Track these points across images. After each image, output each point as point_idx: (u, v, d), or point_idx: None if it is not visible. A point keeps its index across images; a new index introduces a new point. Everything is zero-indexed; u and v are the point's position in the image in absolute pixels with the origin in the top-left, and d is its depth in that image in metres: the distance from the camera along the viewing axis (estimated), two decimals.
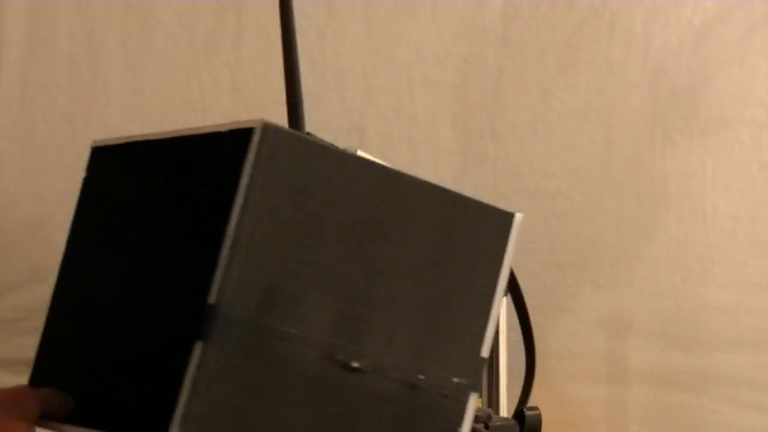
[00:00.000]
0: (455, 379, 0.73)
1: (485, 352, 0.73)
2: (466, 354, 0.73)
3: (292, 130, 0.71)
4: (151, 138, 0.78)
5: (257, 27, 1.49)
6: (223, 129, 0.72)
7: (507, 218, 0.74)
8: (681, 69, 1.44)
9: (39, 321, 1.56)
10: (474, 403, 0.74)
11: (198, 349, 0.67)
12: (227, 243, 0.68)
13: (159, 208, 0.80)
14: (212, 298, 0.67)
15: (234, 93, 1.49)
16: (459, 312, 0.74)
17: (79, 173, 1.57)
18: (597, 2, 1.45)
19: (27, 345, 1.59)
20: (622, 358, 1.44)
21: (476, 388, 0.73)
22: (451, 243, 0.74)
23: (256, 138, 0.69)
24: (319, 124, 1.50)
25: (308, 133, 0.84)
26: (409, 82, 1.47)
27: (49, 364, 0.83)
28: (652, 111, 1.44)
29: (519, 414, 0.92)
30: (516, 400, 1.41)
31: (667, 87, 1.44)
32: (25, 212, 1.51)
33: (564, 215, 1.45)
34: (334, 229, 0.71)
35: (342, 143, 1.48)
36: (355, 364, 0.71)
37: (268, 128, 0.69)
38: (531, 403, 1.37)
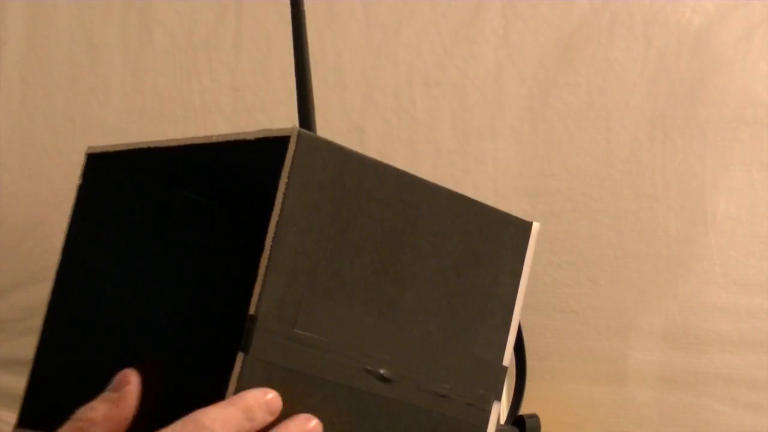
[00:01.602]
0: (479, 388, 0.73)
1: (506, 360, 0.72)
2: (488, 363, 0.73)
3: (325, 138, 0.70)
4: (152, 146, 0.77)
5: (257, 27, 1.49)
6: (249, 137, 0.71)
7: (526, 227, 0.73)
8: (681, 69, 1.44)
9: (39, 321, 1.57)
10: (497, 411, 0.74)
11: (240, 360, 0.66)
12: (266, 253, 0.66)
13: (160, 216, 0.79)
14: (253, 309, 0.66)
15: (234, 93, 1.49)
16: (482, 321, 0.73)
17: (79, 173, 1.57)
18: (597, 2, 1.45)
19: (27, 345, 1.59)
20: (622, 358, 1.44)
21: (498, 396, 0.73)
22: (475, 253, 0.72)
23: (291, 146, 0.68)
24: (319, 124, 1.50)
25: None
26: (409, 82, 1.47)
27: (45, 377, 0.82)
28: (652, 111, 1.44)
29: (519, 420, 0.91)
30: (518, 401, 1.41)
31: (667, 87, 1.44)
32: (25, 212, 1.51)
33: (564, 215, 1.45)
34: (366, 238, 0.70)
35: (342, 143, 1.48)
36: (388, 375, 0.70)
37: (303, 135, 0.68)
38: (531, 402, 1.37)
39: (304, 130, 0.69)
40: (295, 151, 0.68)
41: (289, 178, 0.67)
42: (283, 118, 1.49)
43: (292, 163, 0.67)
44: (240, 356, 0.66)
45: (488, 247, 0.72)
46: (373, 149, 1.48)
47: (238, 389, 0.66)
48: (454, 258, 0.71)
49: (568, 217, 1.45)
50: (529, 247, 0.73)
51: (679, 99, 1.44)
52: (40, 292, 1.56)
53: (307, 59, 0.82)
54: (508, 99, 1.46)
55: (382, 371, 0.70)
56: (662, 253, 1.44)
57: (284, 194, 0.67)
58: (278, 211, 0.67)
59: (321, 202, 0.68)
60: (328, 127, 1.48)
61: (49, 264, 1.58)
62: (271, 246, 0.67)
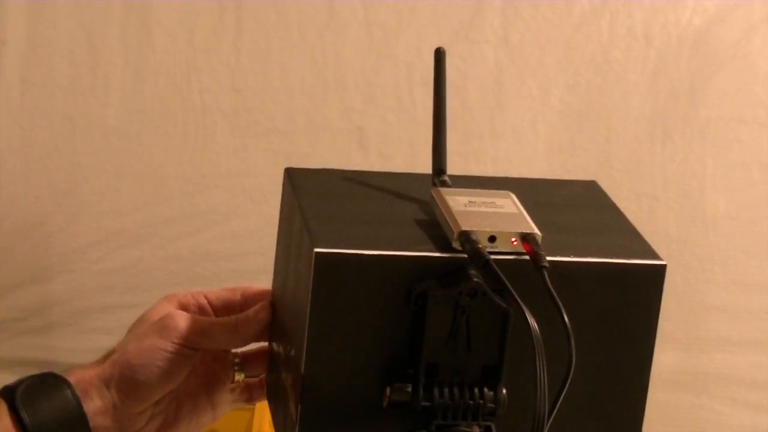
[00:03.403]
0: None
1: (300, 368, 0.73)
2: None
3: None
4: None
5: (257, 27, 1.49)
6: None
7: (311, 251, 0.73)
8: (681, 69, 1.44)
9: (39, 321, 1.56)
10: None
11: None
12: None
13: None
14: None
15: (234, 93, 1.49)
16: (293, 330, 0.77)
17: (79, 173, 1.57)
18: (597, 2, 1.45)
19: (27, 345, 1.59)
20: None
21: None
22: (295, 264, 0.78)
23: None
24: (319, 124, 1.50)
25: (442, 173, 0.85)
26: (409, 82, 1.47)
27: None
28: (652, 111, 1.44)
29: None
30: None
31: (667, 87, 1.44)
32: (25, 212, 1.51)
33: None
34: None
35: (342, 143, 1.48)
36: None
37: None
38: None
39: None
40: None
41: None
42: (283, 117, 1.49)
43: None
44: None
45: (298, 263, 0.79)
46: (373, 149, 1.48)
47: None
48: None
49: None
50: (314, 271, 0.73)
51: (679, 99, 1.44)
52: (40, 292, 1.56)
53: (445, 103, 0.86)
54: (508, 99, 1.46)
55: None
56: (662, 253, 1.44)
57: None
58: None
59: None
60: (328, 127, 1.48)
61: (49, 264, 1.58)
62: None
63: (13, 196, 1.51)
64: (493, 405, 0.77)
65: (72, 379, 0.80)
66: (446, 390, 0.76)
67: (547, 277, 0.73)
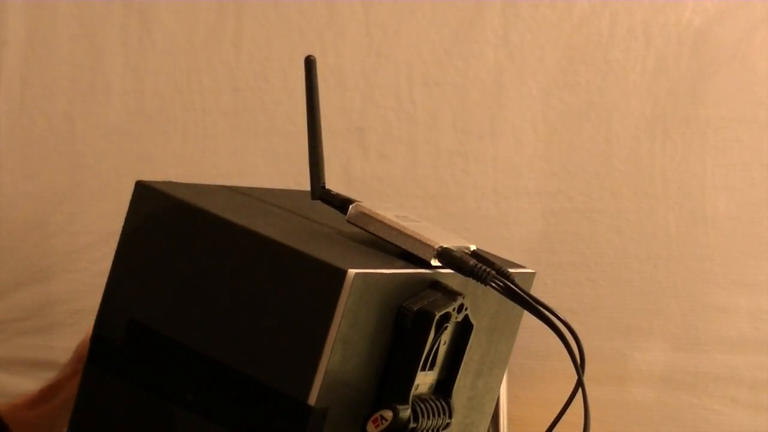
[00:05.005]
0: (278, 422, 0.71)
1: (312, 399, 0.70)
2: (289, 402, 0.71)
3: (163, 190, 0.77)
4: None
5: (257, 27, 1.49)
6: None
7: (337, 275, 0.69)
8: (681, 69, 1.44)
9: (39, 321, 1.56)
10: None
11: None
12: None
13: None
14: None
15: (234, 93, 1.49)
16: (282, 359, 0.72)
17: (79, 173, 1.57)
18: (597, 2, 1.45)
19: (27, 345, 1.59)
20: (622, 358, 1.44)
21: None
22: (274, 292, 0.72)
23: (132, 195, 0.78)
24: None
25: (323, 187, 0.83)
26: (409, 82, 1.47)
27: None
28: (652, 111, 1.44)
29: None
30: (517, 402, 1.41)
31: (667, 87, 1.44)
32: (25, 212, 1.51)
33: (564, 215, 1.45)
34: (186, 273, 0.75)
35: (342, 143, 1.48)
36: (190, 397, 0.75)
37: (139, 186, 0.79)
38: (532, 402, 1.38)
39: (146, 183, 0.79)
40: (132, 198, 0.78)
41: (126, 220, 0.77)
42: (283, 117, 1.49)
43: (129, 208, 0.78)
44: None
45: (289, 288, 0.71)
46: (373, 149, 1.48)
47: None
48: (253, 294, 0.72)
49: (568, 217, 1.45)
50: (342, 293, 0.67)
51: (679, 99, 1.44)
52: (40, 292, 1.56)
53: (318, 111, 0.83)
54: (508, 99, 1.46)
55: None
56: (662, 253, 1.44)
57: (122, 231, 0.77)
58: (117, 247, 0.77)
59: (150, 242, 0.76)
60: (328, 127, 1.48)
61: (49, 264, 1.58)
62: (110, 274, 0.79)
63: (13, 196, 1.52)
64: (449, 419, 0.77)
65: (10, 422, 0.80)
66: (425, 409, 0.75)
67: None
